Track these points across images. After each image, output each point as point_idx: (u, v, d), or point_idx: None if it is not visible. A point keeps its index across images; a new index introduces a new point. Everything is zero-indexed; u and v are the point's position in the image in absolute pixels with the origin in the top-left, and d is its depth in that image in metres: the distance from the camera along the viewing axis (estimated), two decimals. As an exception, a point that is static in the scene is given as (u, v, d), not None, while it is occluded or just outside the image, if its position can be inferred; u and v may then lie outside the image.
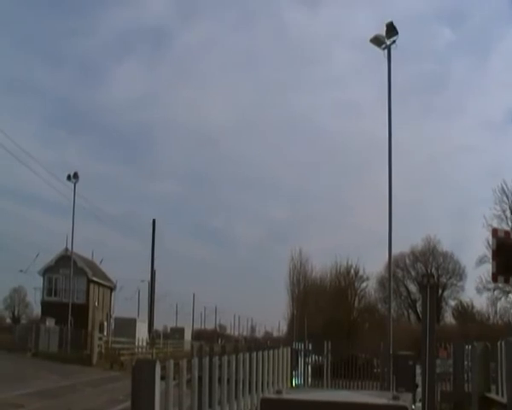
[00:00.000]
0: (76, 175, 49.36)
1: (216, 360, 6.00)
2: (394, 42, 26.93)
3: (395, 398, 3.90)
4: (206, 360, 5.94)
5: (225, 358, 6.19)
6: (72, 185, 48.84)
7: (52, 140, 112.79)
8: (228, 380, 6.29)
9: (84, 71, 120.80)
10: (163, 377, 4.99)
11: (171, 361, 5.06)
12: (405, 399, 3.98)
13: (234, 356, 6.41)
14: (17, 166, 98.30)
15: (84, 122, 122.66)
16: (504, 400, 7.64)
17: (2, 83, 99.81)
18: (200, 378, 5.73)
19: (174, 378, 5.28)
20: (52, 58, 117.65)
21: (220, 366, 6.04)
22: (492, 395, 8.06)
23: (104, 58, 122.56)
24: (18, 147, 58.06)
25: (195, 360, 5.70)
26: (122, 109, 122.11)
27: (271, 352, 7.36)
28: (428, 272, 65.50)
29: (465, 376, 10.28)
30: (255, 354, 6.55)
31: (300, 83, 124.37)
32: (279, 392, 4.15)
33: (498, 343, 8.19)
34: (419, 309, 68.66)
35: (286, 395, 4.12)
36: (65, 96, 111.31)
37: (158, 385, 4.24)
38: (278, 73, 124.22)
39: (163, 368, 4.83)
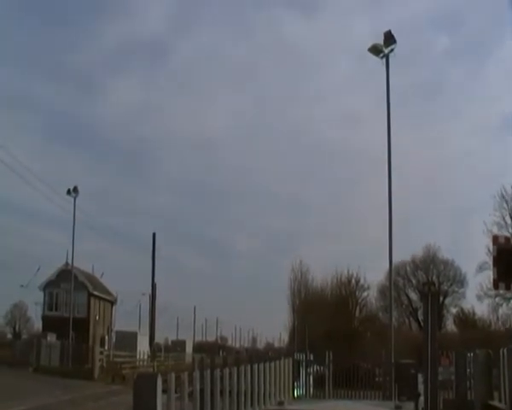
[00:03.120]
0: (76, 189, 49.41)
1: (217, 372, 5.98)
2: (392, 50, 27.06)
3: (397, 408, 3.89)
4: (208, 373, 5.91)
5: (226, 370, 6.17)
6: (72, 199, 48.95)
7: (51, 154, 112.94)
8: (230, 392, 6.27)
9: (82, 85, 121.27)
10: (165, 391, 4.99)
11: (173, 374, 5.05)
12: (407, 408, 3.97)
13: (235, 368, 6.39)
14: (17, 182, 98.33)
15: (82, 136, 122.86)
16: (507, 407, 7.62)
17: (2, 99, 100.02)
18: (201, 391, 5.71)
19: (176, 391, 5.26)
20: (50, 73, 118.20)
21: (222, 378, 6.02)
22: (495, 403, 8.05)
23: (102, 72, 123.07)
24: (17, 162, 58.09)
25: (197, 373, 5.68)
26: (121, 123, 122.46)
27: (272, 363, 7.35)
28: (429, 280, 65.37)
29: (467, 383, 10.23)
30: (256, 365, 6.54)
31: (299, 93, 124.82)
32: (281, 403, 4.13)
33: (501, 351, 8.18)
34: (420, 317, 68.47)
35: (288, 407, 4.12)
36: (64, 111, 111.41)
37: (159, 398, 4.23)
38: (277, 84, 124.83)
39: (164, 381, 4.83)
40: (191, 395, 5.71)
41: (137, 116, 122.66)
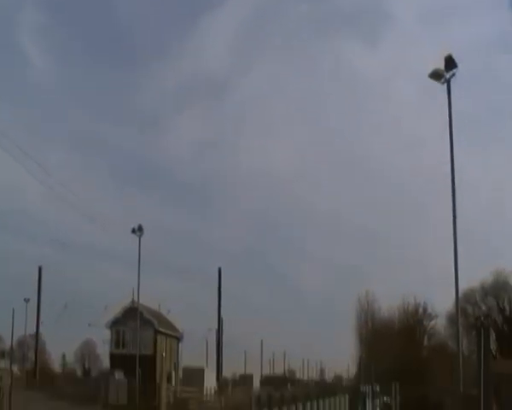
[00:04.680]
0: (140, 228, 49.99)
1: None
2: (454, 74, 26.68)
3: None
4: None
5: (284, 408, 6.08)
6: (138, 238, 49.59)
7: (119, 194, 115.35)
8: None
9: (147, 124, 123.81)
10: None
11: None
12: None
13: (293, 406, 6.30)
14: (85, 222, 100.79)
15: (149, 175, 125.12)
16: None
17: (71, 141, 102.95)
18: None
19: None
20: (116, 114, 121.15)
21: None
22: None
23: (167, 110, 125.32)
24: (86, 203, 59.62)
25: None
26: (185, 160, 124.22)
27: (327, 400, 7.22)
28: (480, 314, 63.70)
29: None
30: (309, 403, 6.43)
31: (362, 122, 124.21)
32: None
33: None
34: (492, 345, 66.66)
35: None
36: (129, 151, 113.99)
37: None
38: (340, 114, 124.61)
39: None
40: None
41: (202, 152, 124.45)
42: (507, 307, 71.99)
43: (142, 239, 49.68)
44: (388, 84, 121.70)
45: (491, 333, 64.70)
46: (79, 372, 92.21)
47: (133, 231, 49.85)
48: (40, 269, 67.93)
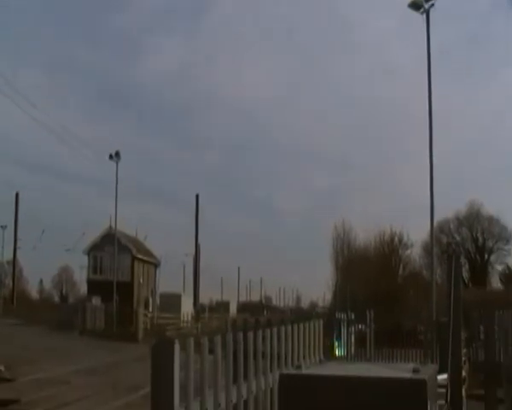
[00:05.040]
0: (118, 154, 49.67)
1: (250, 334, 5.86)
2: (433, 5, 26.31)
3: (415, 371, 3.73)
4: (241, 335, 5.79)
5: (259, 332, 6.04)
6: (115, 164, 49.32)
7: (93, 117, 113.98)
8: (263, 354, 6.14)
9: (121, 46, 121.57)
10: (211, 351, 4.93)
11: (206, 338, 4.93)
12: (426, 371, 3.81)
13: (268, 330, 6.25)
14: (59, 146, 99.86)
15: (122, 98, 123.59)
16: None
17: (43, 63, 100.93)
18: (234, 353, 5.59)
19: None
20: (90, 35, 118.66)
21: (255, 340, 5.90)
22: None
23: (141, 32, 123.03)
24: (61, 126, 59.00)
25: (229, 335, 5.56)
26: (161, 83, 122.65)
27: (302, 325, 7.19)
28: (451, 241, 64.59)
29: (496, 345, 10.01)
30: (283, 328, 6.39)
31: (340, 49, 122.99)
32: (298, 367, 4.03)
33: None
34: (464, 274, 67.86)
35: (305, 371, 4.01)
36: (104, 73, 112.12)
37: (177, 364, 4.10)
38: (317, 42, 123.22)
39: (198, 344, 4.72)
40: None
41: (177, 75, 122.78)
42: (480, 238, 73.10)
43: (119, 164, 49.49)
44: (368, 14, 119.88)
45: (463, 262, 66.08)
46: (57, 299, 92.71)
47: (110, 156, 49.55)
48: (17, 195, 67.53)
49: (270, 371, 6.16)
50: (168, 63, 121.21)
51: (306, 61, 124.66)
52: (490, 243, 72.86)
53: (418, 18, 26.56)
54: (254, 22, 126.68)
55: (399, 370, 4.05)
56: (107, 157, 49.56)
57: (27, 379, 18.58)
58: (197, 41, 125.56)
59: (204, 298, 77.59)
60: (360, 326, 27.74)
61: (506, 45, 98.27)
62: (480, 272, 70.84)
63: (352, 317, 27.51)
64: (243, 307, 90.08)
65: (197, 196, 66.46)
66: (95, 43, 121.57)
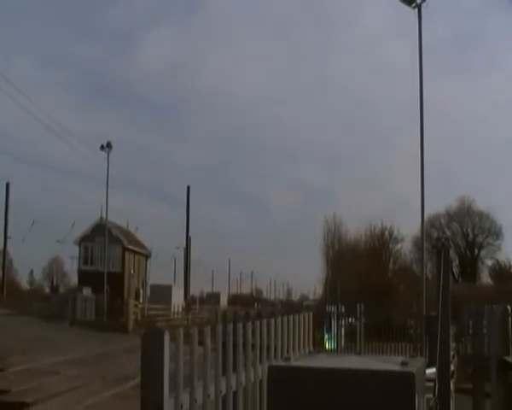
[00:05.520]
0: (109, 145, 49.55)
1: (240, 326, 5.87)
2: (424, 0, 26.28)
3: (403, 364, 3.76)
4: (231, 327, 5.81)
5: (249, 324, 6.06)
6: (106, 155, 49.20)
7: (85, 111, 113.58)
8: (252, 346, 6.17)
9: (115, 41, 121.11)
10: (201, 342, 4.94)
11: (196, 328, 4.95)
12: (414, 365, 3.84)
13: (258, 322, 6.28)
14: (52, 138, 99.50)
15: (115, 92, 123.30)
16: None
17: (38, 57, 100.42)
18: (224, 345, 5.61)
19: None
20: (83, 30, 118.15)
21: (244, 332, 5.92)
22: (510, 359, 7.86)
23: (135, 26, 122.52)
24: (52, 119, 58.82)
25: (219, 327, 5.58)
26: (153, 77, 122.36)
27: (291, 317, 7.22)
28: (441, 235, 64.69)
29: (485, 339, 10.08)
30: (273, 320, 6.41)
31: (332, 46, 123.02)
32: (287, 359, 4.06)
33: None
34: (455, 269, 68.14)
35: (294, 363, 4.03)
36: (97, 67, 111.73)
37: (167, 355, 4.12)
38: (309, 37, 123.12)
39: (187, 335, 4.74)
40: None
41: (170, 70, 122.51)
42: (470, 233, 73.36)
43: (110, 157, 49.37)
44: (360, 7, 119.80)
45: (453, 257, 66.24)
46: (47, 289, 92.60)
47: (102, 147, 49.43)
48: (8, 185, 67.21)
49: (260, 362, 6.18)
50: (158, 59, 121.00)
51: (295, 58, 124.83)
52: (480, 239, 73.14)
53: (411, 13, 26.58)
54: (245, 20, 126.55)
55: (388, 363, 4.08)
56: (98, 149, 49.43)
57: (17, 369, 18.54)
58: (188, 37, 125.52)
59: (195, 290, 77.89)
60: (350, 320, 27.87)
61: (498, 42, 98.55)
62: (470, 267, 71.16)
63: (343, 310, 27.64)
64: (234, 300, 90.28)
65: (188, 188, 66.56)
66: (86, 36, 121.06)
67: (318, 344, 22.52)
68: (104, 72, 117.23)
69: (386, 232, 70.41)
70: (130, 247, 59.87)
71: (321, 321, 25.18)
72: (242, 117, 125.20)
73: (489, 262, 73.46)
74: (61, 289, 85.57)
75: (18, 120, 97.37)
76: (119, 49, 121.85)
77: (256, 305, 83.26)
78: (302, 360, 4.48)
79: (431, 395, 4.97)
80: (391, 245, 71.20)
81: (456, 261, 70.52)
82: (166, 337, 4.16)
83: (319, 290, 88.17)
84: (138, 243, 63.60)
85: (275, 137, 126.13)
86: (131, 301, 43.67)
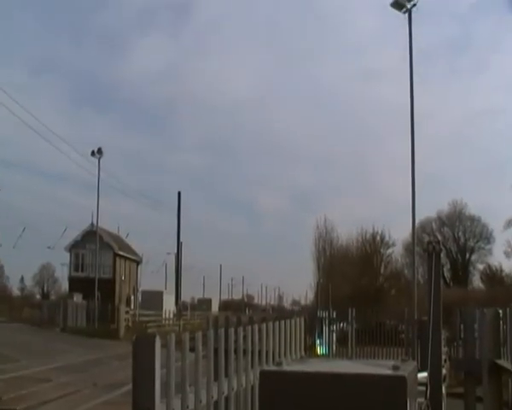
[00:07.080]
0: (100, 151, 49.52)
1: (231, 331, 5.87)
2: (415, 5, 26.37)
3: (395, 368, 3.76)
4: (222, 332, 5.81)
5: (240, 329, 6.06)
6: (97, 161, 49.14)
7: (76, 116, 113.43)
8: (244, 351, 6.16)
9: (106, 45, 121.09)
10: (192, 349, 4.92)
11: (187, 334, 4.94)
12: (406, 369, 3.84)
13: (249, 327, 6.27)
14: (42, 144, 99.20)
15: (106, 97, 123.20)
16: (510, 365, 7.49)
17: (27, 62, 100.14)
18: (216, 350, 5.61)
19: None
20: (75, 34, 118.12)
21: (236, 338, 5.91)
22: (502, 362, 7.89)
23: (126, 31, 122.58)
24: (43, 125, 58.69)
25: (211, 332, 5.57)
26: (144, 83, 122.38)
27: (283, 323, 7.22)
28: (432, 238, 64.81)
29: (476, 343, 10.11)
30: (265, 325, 6.41)
31: (322, 51, 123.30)
32: (279, 364, 4.05)
33: (508, 309, 8.01)
34: (446, 274, 68.27)
35: (285, 367, 4.03)
36: (88, 72, 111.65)
37: (158, 360, 4.11)
38: (299, 42, 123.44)
39: (179, 342, 4.73)
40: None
41: (161, 75, 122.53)
42: (461, 238, 73.51)
43: (101, 163, 49.31)
44: (349, 11, 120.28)
45: (445, 262, 66.44)
46: (38, 296, 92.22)
47: (92, 153, 49.38)
48: (-2, 191, 66.94)
49: (251, 367, 6.18)
50: (151, 62, 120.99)
51: (287, 62, 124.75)
52: (471, 243, 73.25)
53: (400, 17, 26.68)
54: (238, 23, 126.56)
55: (379, 367, 4.08)
56: (89, 155, 49.38)
57: (8, 377, 18.47)
58: (180, 41, 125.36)
59: (186, 296, 77.60)
60: (342, 325, 27.87)
61: (487, 46, 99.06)
62: (461, 271, 71.29)
63: (334, 315, 27.63)
64: (225, 306, 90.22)
65: (179, 194, 66.51)
66: (77, 41, 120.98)
67: (310, 350, 22.50)
68: (94, 76, 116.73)
69: (378, 237, 70.44)
70: (122, 253, 59.70)
71: (312, 326, 25.17)
72: (232, 122, 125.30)
73: (480, 266, 73.54)
74: (52, 296, 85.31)
75: (8, 126, 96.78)
76: (108, 55, 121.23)
77: (247, 311, 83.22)
78: (294, 365, 4.47)
79: (423, 399, 4.97)
80: (382, 250, 71.22)
81: (448, 266, 70.66)
82: (158, 343, 4.15)
83: (310, 296, 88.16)
84: (129, 249, 63.43)
85: (265, 143, 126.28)
86: (123, 308, 43.56)
